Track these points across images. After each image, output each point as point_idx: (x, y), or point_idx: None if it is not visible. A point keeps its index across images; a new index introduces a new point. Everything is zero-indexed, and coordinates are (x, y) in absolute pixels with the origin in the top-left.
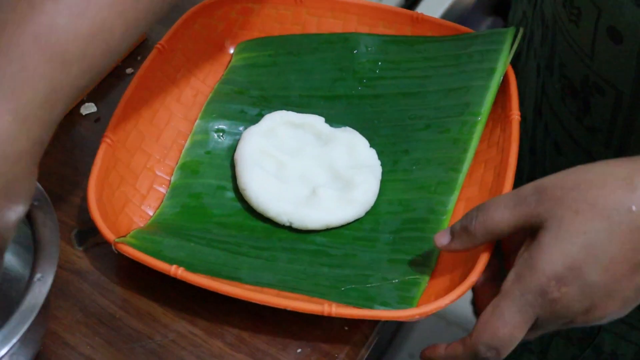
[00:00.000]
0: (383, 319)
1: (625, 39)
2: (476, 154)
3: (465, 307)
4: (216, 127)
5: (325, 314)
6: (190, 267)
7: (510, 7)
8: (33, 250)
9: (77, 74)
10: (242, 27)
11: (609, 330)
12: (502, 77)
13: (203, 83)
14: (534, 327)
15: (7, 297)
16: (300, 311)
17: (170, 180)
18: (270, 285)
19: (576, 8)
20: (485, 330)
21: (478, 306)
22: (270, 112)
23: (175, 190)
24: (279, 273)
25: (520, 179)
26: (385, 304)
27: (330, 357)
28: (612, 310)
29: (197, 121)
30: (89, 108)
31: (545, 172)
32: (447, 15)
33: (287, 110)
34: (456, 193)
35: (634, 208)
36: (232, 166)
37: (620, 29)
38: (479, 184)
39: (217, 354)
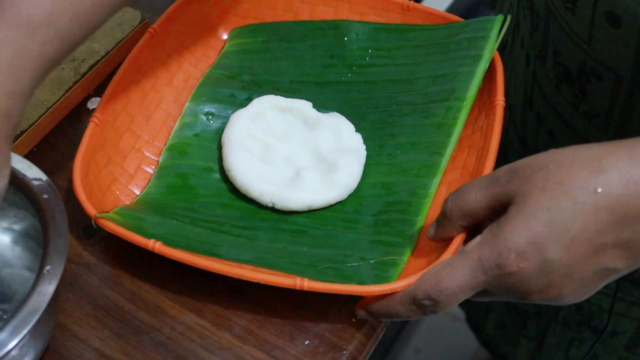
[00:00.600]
0: (353, 294)
1: (625, 22)
2: (460, 139)
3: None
4: (206, 110)
5: (297, 287)
6: (170, 243)
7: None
8: (42, 243)
9: (45, 40)
10: (236, 14)
11: (607, 310)
12: (488, 64)
13: (195, 67)
14: (485, 293)
15: (17, 289)
16: (274, 285)
17: (158, 161)
18: (248, 261)
19: None
20: (430, 279)
21: None
22: (259, 96)
23: (162, 171)
24: (258, 251)
25: None
26: (362, 283)
27: (337, 349)
28: (569, 292)
29: (187, 104)
30: (95, 102)
31: None
32: (451, 9)
33: (277, 95)
34: (438, 177)
35: (599, 189)
36: (220, 148)
37: (619, 13)
38: (461, 168)
39: (225, 345)
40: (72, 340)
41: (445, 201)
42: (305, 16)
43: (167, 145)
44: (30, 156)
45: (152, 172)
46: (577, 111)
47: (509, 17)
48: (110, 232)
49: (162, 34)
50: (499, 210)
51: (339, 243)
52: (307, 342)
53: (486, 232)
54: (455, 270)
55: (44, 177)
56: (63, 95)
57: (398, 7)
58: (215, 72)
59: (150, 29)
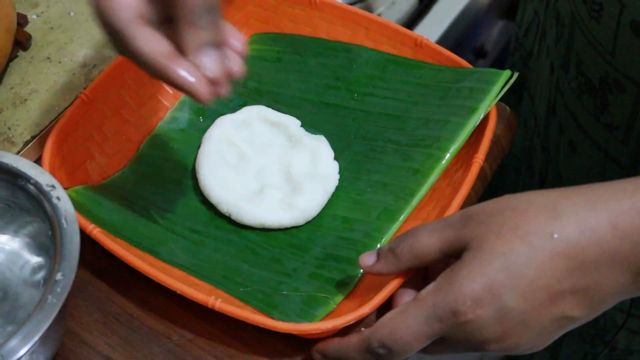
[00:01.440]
0: (259, 325)
1: None
2: (433, 190)
3: None
4: (198, 107)
5: (209, 305)
6: (115, 231)
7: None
8: (54, 249)
9: None
10: (258, 19)
11: (623, 326)
12: (480, 119)
13: None
14: (442, 343)
15: (27, 296)
16: (188, 297)
17: (139, 147)
18: (181, 266)
19: (598, 4)
20: (385, 327)
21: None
22: (253, 105)
23: (139, 158)
24: (197, 258)
25: (532, 177)
26: (284, 314)
27: None
28: (528, 340)
29: (182, 98)
30: None
31: (558, 171)
32: (460, 18)
33: (275, 107)
34: (397, 224)
35: (555, 235)
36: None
37: None
38: (423, 219)
39: (234, 354)
40: (81, 347)
41: (396, 240)
42: (322, 33)
43: (150, 135)
44: (41, 161)
45: (130, 157)
46: (597, 122)
47: (516, 74)
48: None
49: None
50: (451, 255)
51: (280, 268)
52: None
53: (440, 279)
54: (410, 319)
55: (56, 183)
56: (74, 100)
57: (412, 41)
58: None
59: None
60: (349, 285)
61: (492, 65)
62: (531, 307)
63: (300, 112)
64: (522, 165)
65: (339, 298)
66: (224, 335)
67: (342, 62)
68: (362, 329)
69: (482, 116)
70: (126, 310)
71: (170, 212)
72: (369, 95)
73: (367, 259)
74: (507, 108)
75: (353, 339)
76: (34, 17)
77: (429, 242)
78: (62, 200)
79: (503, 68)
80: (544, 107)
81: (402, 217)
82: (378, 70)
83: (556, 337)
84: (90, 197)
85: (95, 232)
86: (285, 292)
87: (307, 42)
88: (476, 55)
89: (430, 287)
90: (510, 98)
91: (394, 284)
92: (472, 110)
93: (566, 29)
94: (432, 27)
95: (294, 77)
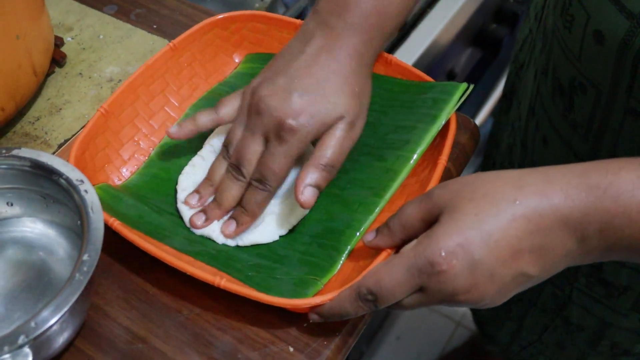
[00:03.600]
0: (261, 301)
1: (607, 40)
2: (403, 185)
3: None
4: None
5: (215, 284)
6: (134, 224)
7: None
8: (81, 234)
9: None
10: (251, 42)
11: (577, 303)
12: (442, 125)
13: (205, 81)
14: (420, 294)
15: (58, 273)
16: (196, 277)
17: (150, 153)
18: (190, 253)
19: (570, 15)
20: (372, 276)
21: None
22: None
23: (151, 162)
24: (204, 246)
25: (512, 167)
26: (279, 294)
27: (332, 332)
28: (490, 294)
29: (187, 110)
30: None
31: (533, 163)
32: (433, 44)
33: None
34: (373, 215)
35: (517, 202)
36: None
37: (604, 31)
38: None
39: (236, 326)
40: (105, 319)
41: (390, 217)
42: None
43: (161, 142)
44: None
45: (143, 161)
46: (565, 121)
47: (471, 86)
48: None
49: (180, 48)
50: (432, 222)
51: (273, 256)
52: (305, 324)
53: (421, 237)
54: (393, 268)
55: (84, 178)
56: None
57: (383, 60)
58: (222, 88)
59: (170, 43)
60: (333, 269)
61: None
62: (497, 261)
63: None
64: (505, 160)
65: (325, 279)
66: (227, 310)
67: None
68: None
69: (443, 122)
70: (144, 288)
71: (177, 211)
72: None
73: (368, 236)
74: (472, 120)
75: (344, 292)
76: (69, 39)
77: (412, 213)
78: (89, 192)
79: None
80: (526, 108)
81: (377, 210)
82: None
83: (513, 293)
84: (112, 194)
85: (116, 224)
86: (278, 276)
87: None
88: (447, 77)
89: (412, 243)
90: (503, 103)
91: (369, 267)
92: (435, 117)
93: (548, 40)
94: (410, 51)
95: None
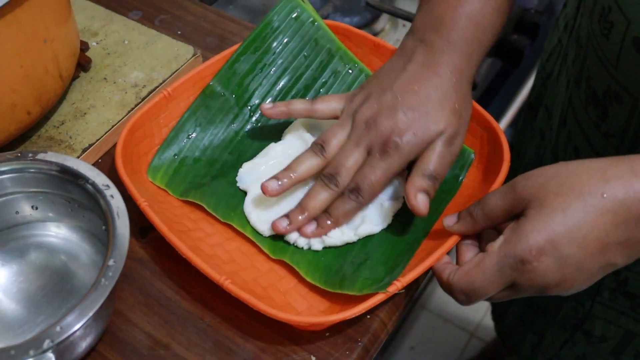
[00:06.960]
0: (258, 310)
1: None
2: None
3: (459, 308)
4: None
5: (220, 283)
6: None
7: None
8: (106, 239)
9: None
10: None
11: (599, 316)
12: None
13: None
14: (511, 290)
15: (81, 278)
16: (203, 272)
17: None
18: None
19: (609, 22)
20: (464, 278)
21: (459, 259)
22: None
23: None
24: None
25: None
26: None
27: (353, 341)
28: (578, 284)
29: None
30: None
31: None
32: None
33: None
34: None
35: (605, 195)
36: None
37: None
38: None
39: (258, 335)
40: (127, 324)
41: (472, 205)
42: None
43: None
44: (96, 165)
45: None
46: (598, 130)
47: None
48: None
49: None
50: (516, 213)
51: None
52: (327, 334)
53: (508, 232)
54: (485, 269)
55: (110, 183)
56: (125, 115)
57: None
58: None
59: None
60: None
61: (482, 95)
62: (585, 255)
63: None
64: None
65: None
66: (249, 318)
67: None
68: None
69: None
70: (165, 294)
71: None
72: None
73: (449, 220)
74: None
75: (442, 285)
76: (94, 44)
77: (497, 204)
78: (115, 197)
79: (492, 97)
80: (557, 118)
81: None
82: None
83: (598, 279)
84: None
85: (143, 205)
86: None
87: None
88: None
89: (499, 240)
90: (528, 114)
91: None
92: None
93: (582, 49)
94: None
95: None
